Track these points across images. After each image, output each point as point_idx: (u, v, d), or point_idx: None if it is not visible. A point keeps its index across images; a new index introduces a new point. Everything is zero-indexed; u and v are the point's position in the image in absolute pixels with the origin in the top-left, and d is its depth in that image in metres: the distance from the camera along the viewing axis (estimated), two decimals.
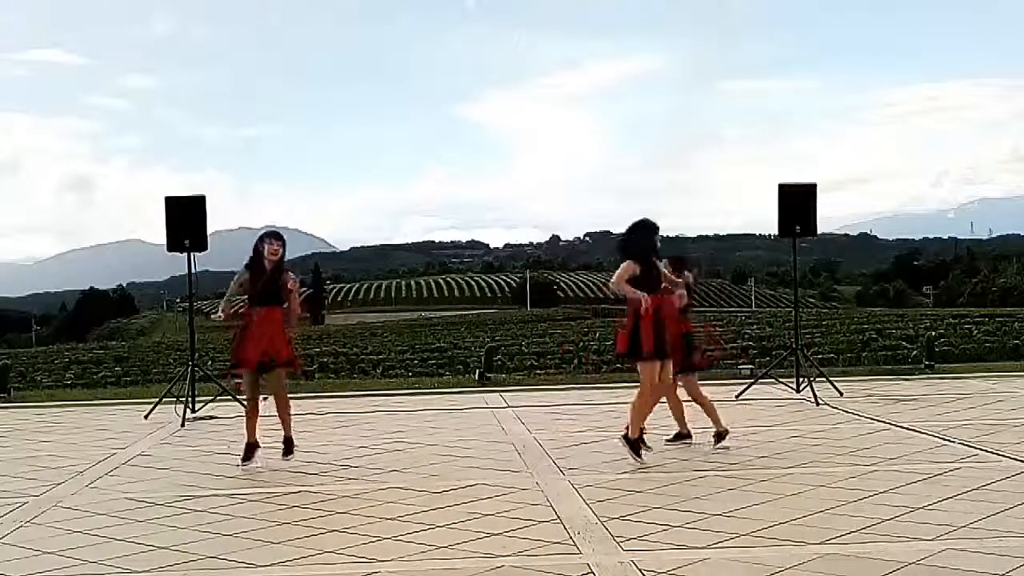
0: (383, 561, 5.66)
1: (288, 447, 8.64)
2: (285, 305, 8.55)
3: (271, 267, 8.47)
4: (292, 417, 8.71)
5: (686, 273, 8.94)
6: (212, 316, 9.57)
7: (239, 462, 8.55)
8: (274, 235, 8.56)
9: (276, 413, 8.64)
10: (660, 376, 8.23)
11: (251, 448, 8.57)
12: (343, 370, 37.20)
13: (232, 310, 9.03)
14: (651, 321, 8.06)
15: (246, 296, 8.62)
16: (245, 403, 8.78)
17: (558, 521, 6.44)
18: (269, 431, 8.81)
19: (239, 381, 9.29)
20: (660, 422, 9.09)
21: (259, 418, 8.64)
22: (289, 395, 8.74)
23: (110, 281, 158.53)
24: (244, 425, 8.65)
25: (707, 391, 9.25)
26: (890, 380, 14.35)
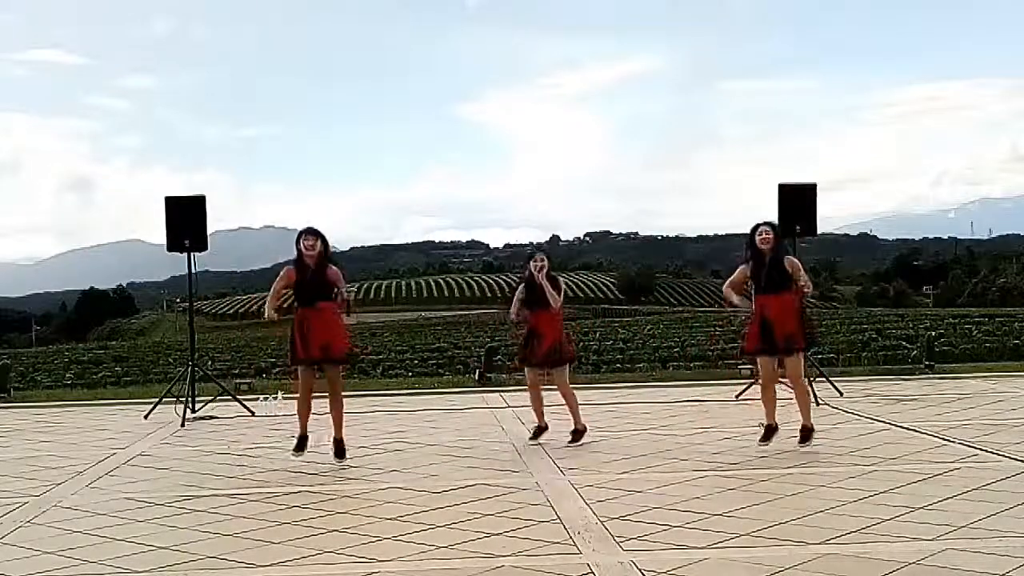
0: (383, 561, 5.66)
1: (338, 449, 8.65)
2: (336, 298, 8.48)
3: (313, 263, 8.44)
4: (344, 417, 8.74)
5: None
6: (264, 314, 9.32)
7: (291, 453, 8.62)
8: (310, 231, 8.51)
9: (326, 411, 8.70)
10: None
11: (303, 440, 8.61)
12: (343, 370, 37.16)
13: (279, 304, 8.88)
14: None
15: (293, 293, 8.56)
16: (297, 399, 8.74)
17: (558, 521, 6.44)
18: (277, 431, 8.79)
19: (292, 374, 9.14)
20: (657, 423, 9.08)
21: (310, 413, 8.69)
22: (290, 396, 8.73)
23: (110, 281, 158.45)
24: (297, 420, 8.66)
25: (708, 391, 9.27)
26: (890, 380, 14.36)
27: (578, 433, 9.32)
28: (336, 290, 8.49)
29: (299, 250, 8.51)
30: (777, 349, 8.73)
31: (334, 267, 8.56)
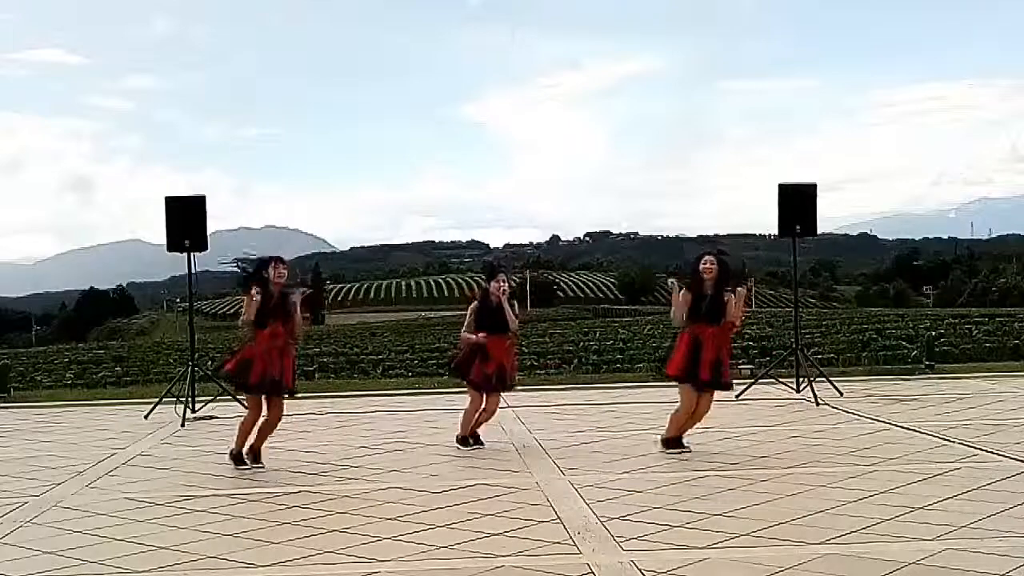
0: (383, 561, 5.66)
1: (256, 457, 8.56)
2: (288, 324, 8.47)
3: (278, 291, 8.46)
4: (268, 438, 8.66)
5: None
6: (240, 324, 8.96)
7: (229, 462, 8.56)
8: (282, 260, 8.61)
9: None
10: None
11: (239, 458, 8.56)
12: (343, 370, 37.21)
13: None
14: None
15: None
16: (245, 418, 8.65)
17: (558, 521, 6.44)
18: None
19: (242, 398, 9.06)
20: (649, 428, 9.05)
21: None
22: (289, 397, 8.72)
23: (110, 281, 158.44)
24: (236, 434, 8.62)
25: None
26: (890, 380, 14.36)
27: (464, 440, 9.23)
28: (295, 310, 8.43)
29: (266, 277, 8.43)
30: (701, 378, 8.55)
31: (294, 295, 8.54)
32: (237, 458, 8.58)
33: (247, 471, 8.42)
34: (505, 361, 9.22)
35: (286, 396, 8.65)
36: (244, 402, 8.96)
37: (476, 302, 9.27)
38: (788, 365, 13.30)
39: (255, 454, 8.62)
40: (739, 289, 8.72)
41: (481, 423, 9.34)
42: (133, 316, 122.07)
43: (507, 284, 9.23)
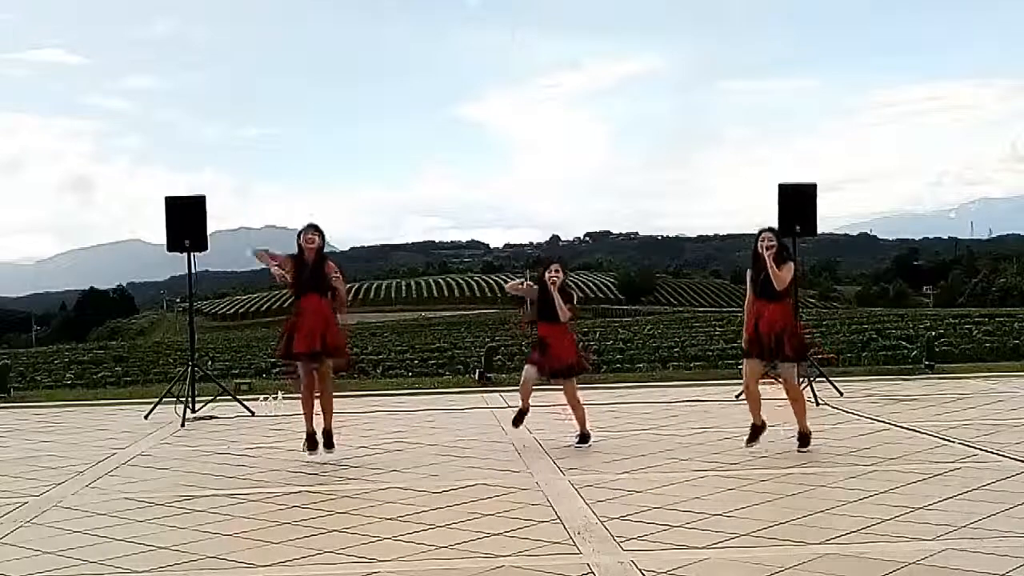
0: (383, 561, 5.66)
1: (328, 440, 8.72)
2: (331, 296, 8.64)
3: (311, 257, 8.58)
4: (333, 412, 8.88)
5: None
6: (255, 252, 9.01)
7: (304, 452, 8.68)
8: (312, 226, 8.67)
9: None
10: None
11: (312, 438, 8.69)
12: (343, 370, 37.17)
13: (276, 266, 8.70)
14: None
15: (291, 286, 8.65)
16: (301, 394, 8.85)
17: (558, 521, 6.44)
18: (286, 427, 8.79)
19: (289, 374, 9.22)
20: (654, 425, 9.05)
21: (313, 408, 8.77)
22: (290, 396, 8.78)
23: (110, 281, 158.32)
24: (303, 417, 8.78)
25: (708, 391, 9.27)
26: (890, 380, 14.35)
27: (584, 437, 9.28)
28: (332, 279, 8.59)
29: (299, 245, 8.64)
30: (764, 354, 8.68)
31: (331, 262, 8.70)
32: (310, 440, 8.66)
33: (316, 459, 8.55)
34: (570, 351, 9.31)
35: (336, 358, 8.79)
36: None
37: (538, 287, 9.32)
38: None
39: (326, 436, 8.69)
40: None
41: (580, 420, 9.37)
42: (133, 316, 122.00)
43: (558, 275, 9.17)
